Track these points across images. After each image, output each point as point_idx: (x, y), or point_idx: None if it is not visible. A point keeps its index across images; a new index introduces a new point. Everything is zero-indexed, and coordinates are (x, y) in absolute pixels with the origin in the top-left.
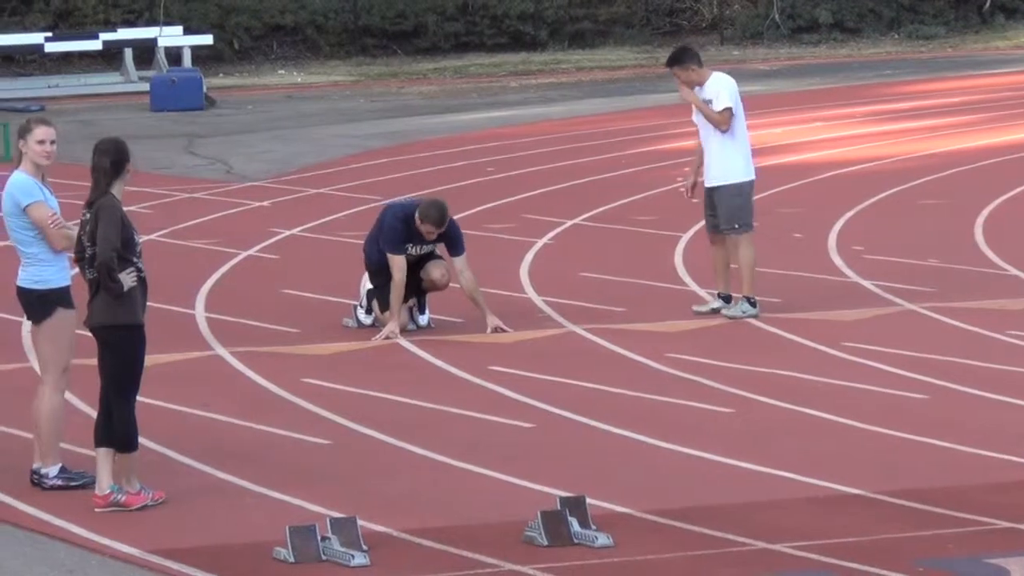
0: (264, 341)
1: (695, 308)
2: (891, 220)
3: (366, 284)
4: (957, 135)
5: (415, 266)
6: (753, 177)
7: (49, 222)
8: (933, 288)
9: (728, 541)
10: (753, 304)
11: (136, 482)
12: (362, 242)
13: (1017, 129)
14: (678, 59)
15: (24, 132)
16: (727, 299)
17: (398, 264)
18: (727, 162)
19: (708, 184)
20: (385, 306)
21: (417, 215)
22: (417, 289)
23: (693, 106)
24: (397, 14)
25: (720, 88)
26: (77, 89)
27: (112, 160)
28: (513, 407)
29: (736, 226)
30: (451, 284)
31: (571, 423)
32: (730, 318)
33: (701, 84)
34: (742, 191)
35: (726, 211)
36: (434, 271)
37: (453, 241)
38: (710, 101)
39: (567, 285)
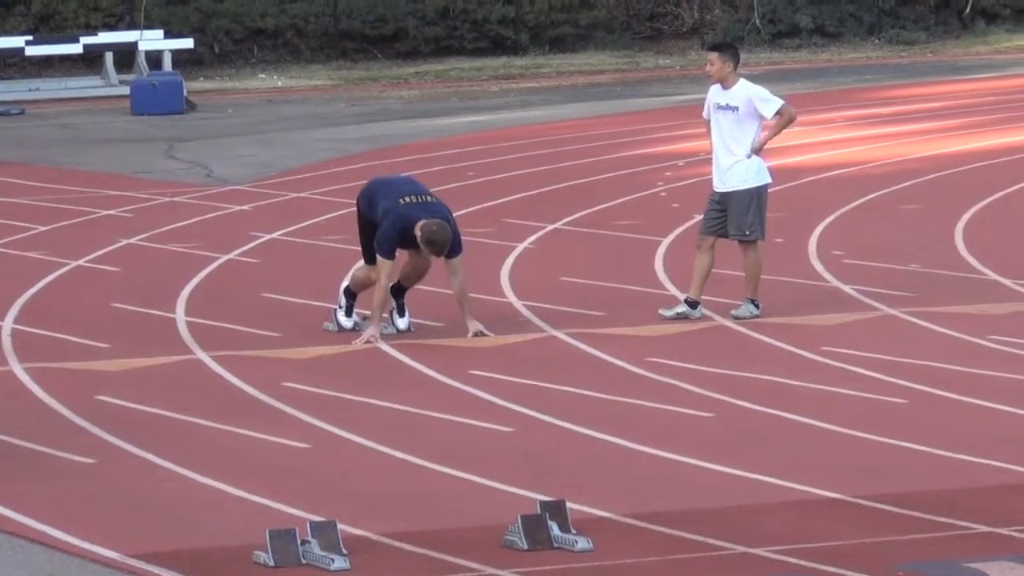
0: (244, 345)
1: (662, 311)
2: (871, 224)
3: (344, 283)
4: (938, 140)
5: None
6: (769, 180)
7: None
8: (913, 292)
9: (708, 545)
10: (757, 306)
11: None
12: (344, 246)
13: (998, 134)
14: (720, 47)
15: None
16: (693, 304)
17: (386, 268)
18: (742, 165)
19: (721, 189)
20: (371, 260)
21: (420, 234)
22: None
23: (708, 103)
24: (377, 18)
25: (753, 92)
26: (58, 93)
27: None
28: (493, 411)
29: (747, 233)
30: (434, 287)
31: (551, 427)
32: (737, 318)
33: (725, 84)
34: (758, 196)
35: (737, 217)
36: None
37: (451, 242)
38: (735, 108)
39: (548, 289)
